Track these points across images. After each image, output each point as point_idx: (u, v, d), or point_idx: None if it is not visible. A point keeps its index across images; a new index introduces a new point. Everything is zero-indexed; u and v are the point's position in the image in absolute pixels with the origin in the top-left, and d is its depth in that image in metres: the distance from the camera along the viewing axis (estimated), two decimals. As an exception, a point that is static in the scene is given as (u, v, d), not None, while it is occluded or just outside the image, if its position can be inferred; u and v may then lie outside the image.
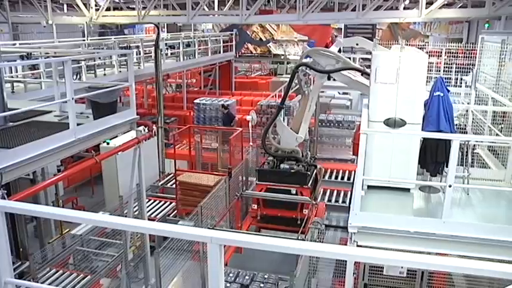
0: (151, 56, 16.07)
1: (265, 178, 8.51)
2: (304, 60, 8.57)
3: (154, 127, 13.91)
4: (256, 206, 8.52)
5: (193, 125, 15.44)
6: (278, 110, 8.72)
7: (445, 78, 8.29)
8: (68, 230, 9.14)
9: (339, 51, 8.61)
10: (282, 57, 31.60)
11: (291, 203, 8.28)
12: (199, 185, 10.33)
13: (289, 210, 8.35)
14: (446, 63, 9.61)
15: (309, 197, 8.19)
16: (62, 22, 16.03)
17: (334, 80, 8.52)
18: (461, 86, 9.30)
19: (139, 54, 15.56)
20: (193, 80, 26.60)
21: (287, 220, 8.40)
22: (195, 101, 16.27)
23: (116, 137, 10.27)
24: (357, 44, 8.51)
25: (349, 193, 9.84)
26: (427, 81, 5.69)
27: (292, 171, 8.40)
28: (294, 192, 8.32)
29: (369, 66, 6.30)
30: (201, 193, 9.82)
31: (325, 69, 8.21)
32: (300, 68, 8.45)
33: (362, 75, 7.87)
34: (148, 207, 11.07)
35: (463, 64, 8.97)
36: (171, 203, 11.52)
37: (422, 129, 5.52)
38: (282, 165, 8.62)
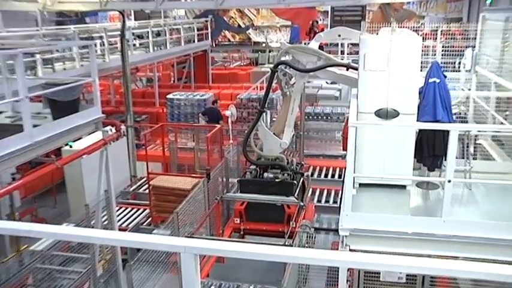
0: (117, 47, 15.89)
1: (247, 189, 8.55)
2: (283, 59, 8.60)
3: (122, 126, 13.68)
4: (238, 219, 8.54)
5: (167, 123, 15.33)
6: (259, 115, 8.76)
7: (443, 62, 8.39)
8: (26, 246, 8.96)
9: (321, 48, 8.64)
10: (263, 44, 31.66)
11: (277, 214, 8.32)
12: (174, 188, 10.29)
13: (276, 223, 8.39)
14: (444, 46, 9.71)
15: (295, 210, 8.21)
16: (10, 9, 15.59)
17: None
18: (459, 71, 9.45)
19: (103, 45, 15.37)
20: (168, 73, 26.43)
21: (273, 234, 8.44)
22: (168, 96, 16.19)
23: (80, 139, 10.15)
24: (339, 36, 8.56)
25: (339, 192, 9.89)
26: (422, 67, 5.74)
27: (277, 180, 8.42)
28: (279, 204, 8.35)
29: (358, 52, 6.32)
30: (177, 198, 9.76)
31: (306, 67, 8.24)
32: (279, 67, 8.45)
33: (347, 70, 7.92)
34: (118, 216, 10.96)
35: (462, 47, 9.08)
36: (144, 210, 11.46)
37: (417, 120, 5.55)
38: (265, 174, 8.65)
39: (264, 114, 9.16)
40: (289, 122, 8.74)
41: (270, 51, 31.95)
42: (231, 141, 13.16)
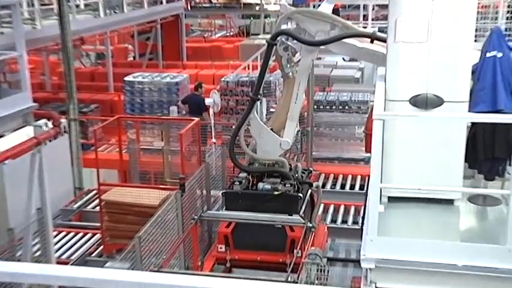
0: (53, 8, 15.78)
1: (236, 205, 8.56)
2: (284, 27, 8.55)
3: (63, 120, 13.62)
4: (223, 247, 8.55)
5: (125, 115, 15.23)
6: (251, 104, 8.77)
7: (508, 29, 8.35)
8: None
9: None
10: (257, 8, 31.59)
11: (276, 240, 8.35)
12: (136, 205, 10.27)
13: (275, 252, 8.38)
14: (510, 6, 9.64)
15: (301, 233, 8.23)
16: None
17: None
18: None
19: (33, 5, 15.25)
20: (125, 46, 26.34)
21: (271, 267, 8.48)
22: (127, 78, 16.11)
23: (2, 136, 10.02)
24: None
25: (362, 209, 9.86)
26: (476, 36, 5.69)
27: (276, 193, 8.43)
28: (279, 225, 8.37)
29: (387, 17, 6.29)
30: (139, 218, 9.71)
31: (315, 38, 8.23)
32: (278, 38, 8.46)
33: (372, 42, 7.92)
34: (57, 243, 10.85)
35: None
36: (93, 235, 11.44)
37: (469, 110, 5.52)
38: (260, 185, 8.65)
39: (259, 103, 9.16)
40: (292, 114, 8.73)
41: (266, 17, 31.95)
42: (213, 139, 13.11)
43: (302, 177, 9.10)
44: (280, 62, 8.78)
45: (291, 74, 8.79)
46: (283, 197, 8.41)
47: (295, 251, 8.07)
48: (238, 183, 8.74)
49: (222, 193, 8.94)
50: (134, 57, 25.54)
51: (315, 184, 9.36)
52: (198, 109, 14.23)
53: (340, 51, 8.45)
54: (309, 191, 9.08)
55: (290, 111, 8.73)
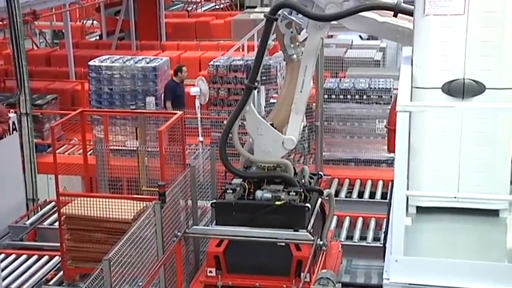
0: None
1: (228, 218, 8.57)
2: None
3: (11, 114, 13.63)
4: (213, 270, 8.57)
5: (90, 108, 15.19)
6: (247, 94, 8.76)
7: None
8: None
9: None
10: (253, -26, 31.65)
11: (279, 262, 8.38)
12: (104, 220, 10.27)
13: (277, 276, 8.41)
14: None
15: (309, 253, 8.24)
16: None
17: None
18: None
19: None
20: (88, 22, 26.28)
21: None
22: (92, 62, 16.05)
23: None
24: None
25: (384, 223, 9.86)
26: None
27: (279, 203, 8.42)
28: (282, 243, 8.39)
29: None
30: (108, 236, 9.76)
31: (325, 12, 8.26)
32: (279, 12, 8.47)
33: (396, 15, 7.92)
34: (4, 269, 10.82)
35: None
36: (51, 257, 11.42)
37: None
38: (258, 193, 8.65)
39: (256, 92, 9.15)
40: (297, 106, 8.75)
41: (264, -14, 31.94)
42: (200, 138, 13.09)
43: (310, 183, 9.12)
44: (282, 41, 8.77)
45: (295, 56, 8.79)
46: (287, 208, 8.40)
47: (302, 274, 8.08)
48: (231, 191, 8.72)
49: (212, 204, 8.94)
50: (101, 36, 25.49)
51: (326, 192, 9.32)
52: (179, 102, 14.21)
53: (356, 27, 8.46)
54: (319, 200, 9.09)
55: (294, 102, 8.74)
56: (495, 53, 5.56)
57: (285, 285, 8.32)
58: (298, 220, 8.40)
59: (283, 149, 8.80)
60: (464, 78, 5.60)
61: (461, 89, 5.61)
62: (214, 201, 8.98)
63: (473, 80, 5.59)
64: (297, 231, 8.34)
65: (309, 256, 8.21)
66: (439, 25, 5.60)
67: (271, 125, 8.87)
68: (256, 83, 8.77)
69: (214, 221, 8.76)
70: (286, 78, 9.13)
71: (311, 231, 8.41)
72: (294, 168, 8.99)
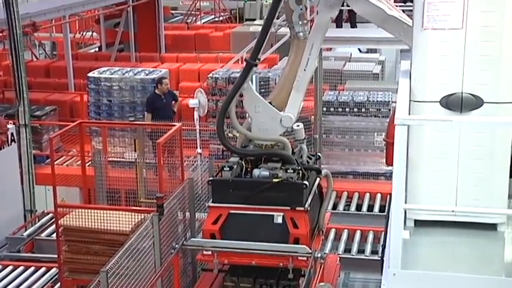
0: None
1: (225, 195, 8.51)
2: None
3: (10, 126, 13.62)
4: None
5: (89, 120, 15.21)
6: (247, 70, 8.69)
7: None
8: None
9: None
10: (253, -13, 31.72)
11: (275, 240, 8.34)
12: (102, 232, 10.23)
13: (273, 255, 8.42)
14: None
15: (306, 231, 8.18)
16: None
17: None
18: None
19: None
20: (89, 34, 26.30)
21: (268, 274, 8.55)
22: (91, 74, 16.10)
23: None
24: None
25: (382, 236, 9.86)
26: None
27: (276, 180, 8.40)
28: (279, 220, 8.30)
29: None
30: (106, 247, 9.71)
31: None
32: None
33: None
34: (1, 280, 10.84)
35: None
36: (49, 269, 11.39)
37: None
38: (256, 171, 8.63)
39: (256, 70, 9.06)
40: (299, 84, 8.66)
41: (264, -2, 32.01)
42: (198, 150, 13.08)
43: (308, 162, 9.07)
44: (290, 18, 8.72)
45: (301, 34, 8.76)
46: (284, 186, 8.34)
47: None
48: (228, 169, 8.66)
49: (209, 181, 8.85)
50: (100, 48, 25.52)
51: (324, 172, 9.27)
52: (164, 114, 14.16)
53: (363, 11, 8.32)
54: (317, 180, 9.05)
55: (297, 79, 8.63)
56: (493, 67, 5.55)
57: (281, 263, 8.28)
58: (296, 197, 8.33)
59: (281, 126, 8.69)
60: (462, 92, 5.59)
61: (459, 103, 5.59)
62: (211, 178, 8.84)
63: (471, 94, 5.58)
64: (294, 208, 8.29)
65: (307, 234, 8.20)
66: (438, 39, 5.60)
67: (270, 103, 8.79)
68: (257, 60, 8.71)
69: (211, 199, 8.64)
70: (290, 56, 9.02)
71: (308, 209, 8.36)
72: (292, 147, 8.90)
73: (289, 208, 8.30)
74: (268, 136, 8.75)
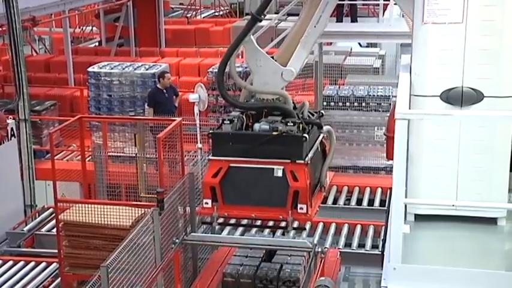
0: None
1: (225, 149, 8.45)
2: None
3: (10, 121, 13.60)
4: (209, 201, 8.42)
5: (89, 114, 15.20)
6: (251, 23, 8.46)
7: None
8: None
9: None
10: (253, -19, 31.61)
11: (275, 192, 8.28)
12: (102, 227, 10.24)
13: (273, 207, 8.34)
14: None
15: (306, 184, 8.16)
16: None
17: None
18: None
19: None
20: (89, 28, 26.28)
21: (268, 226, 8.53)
22: (91, 69, 16.08)
23: None
24: None
25: (382, 230, 9.86)
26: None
27: (275, 133, 8.35)
28: (279, 173, 8.28)
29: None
30: (106, 242, 9.72)
31: None
32: None
33: None
34: (1, 275, 10.88)
35: None
36: (49, 264, 11.40)
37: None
38: (256, 125, 8.56)
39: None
40: (306, 39, 8.46)
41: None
42: (199, 145, 13.06)
43: (309, 118, 8.91)
44: None
45: None
46: (284, 138, 8.24)
47: (298, 206, 8.09)
48: (228, 122, 8.53)
49: (209, 133, 8.75)
50: (100, 43, 25.49)
51: (325, 128, 9.07)
52: (165, 109, 14.17)
53: None
54: (320, 136, 8.94)
55: (305, 35, 8.41)
56: (493, 62, 5.58)
57: (281, 216, 8.25)
58: (295, 150, 8.22)
59: (283, 80, 8.49)
60: (462, 87, 5.62)
61: (459, 97, 5.62)
62: (212, 131, 8.73)
63: (472, 88, 5.61)
64: (294, 161, 8.21)
65: (306, 187, 8.15)
66: (438, 33, 5.62)
67: (273, 58, 8.56)
68: (262, 16, 8.40)
69: (211, 153, 8.56)
70: (302, 14, 8.75)
71: (308, 162, 8.27)
72: (293, 102, 8.74)
73: (289, 161, 8.21)
74: (269, 90, 8.58)
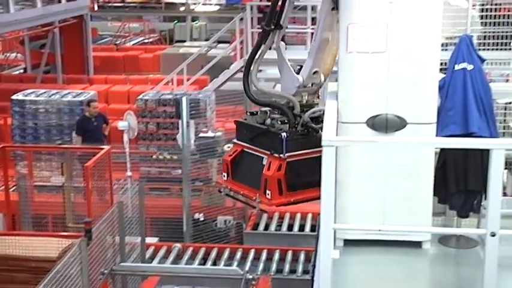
0: None
1: (242, 135, 9.18)
2: None
3: None
4: (226, 175, 9.11)
5: (13, 144, 14.96)
6: (263, 36, 8.89)
7: (484, 36, 8.56)
8: None
9: None
10: (182, 8, 31.82)
11: (254, 176, 8.72)
12: (27, 259, 10.06)
13: (256, 189, 8.76)
14: (484, 5, 9.89)
15: (274, 175, 8.44)
16: None
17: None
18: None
19: None
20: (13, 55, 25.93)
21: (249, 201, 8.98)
22: (15, 96, 15.85)
23: None
24: None
25: (312, 255, 9.96)
26: (444, 45, 5.85)
27: (261, 127, 8.98)
28: (264, 162, 8.73)
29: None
30: (31, 275, 9.56)
31: None
32: None
33: None
34: None
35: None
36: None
37: (437, 134, 5.67)
38: (268, 120, 9.18)
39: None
40: (309, 51, 8.89)
41: (193, 20, 32.13)
42: (128, 173, 13.00)
43: (306, 120, 9.29)
44: None
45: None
46: (269, 133, 8.79)
47: (267, 191, 8.42)
48: (251, 115, 9.25)
49: (235, 121, 9.44)
50: (25, 70, 25.15)
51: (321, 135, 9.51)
52: (95, 137, 14.10)
53: None
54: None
55: (314, 46, 8.77)
56: (415, 89, 5.70)
57: (253, 197, 8.59)
58: (275, 144, 8.60)
59: (294, 87, 8.92)
60: (387, 114, 5.72)
61: (384, 124, 5.72)
62: (236, 119, 9.40)
63: (396, 115, 5.71)
64: (272, 154, 8.58)
65: (273, 176, 8.48)
66: (362, 62, 5.73)
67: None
68: (272, 26, 8.76)
69: (236, 137, 9.20)
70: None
71: (285, 158, 8.49)
72: (304, 105, 9.03)
73: (269, 152, 8.67)
74: (275, 93, 9.21)
